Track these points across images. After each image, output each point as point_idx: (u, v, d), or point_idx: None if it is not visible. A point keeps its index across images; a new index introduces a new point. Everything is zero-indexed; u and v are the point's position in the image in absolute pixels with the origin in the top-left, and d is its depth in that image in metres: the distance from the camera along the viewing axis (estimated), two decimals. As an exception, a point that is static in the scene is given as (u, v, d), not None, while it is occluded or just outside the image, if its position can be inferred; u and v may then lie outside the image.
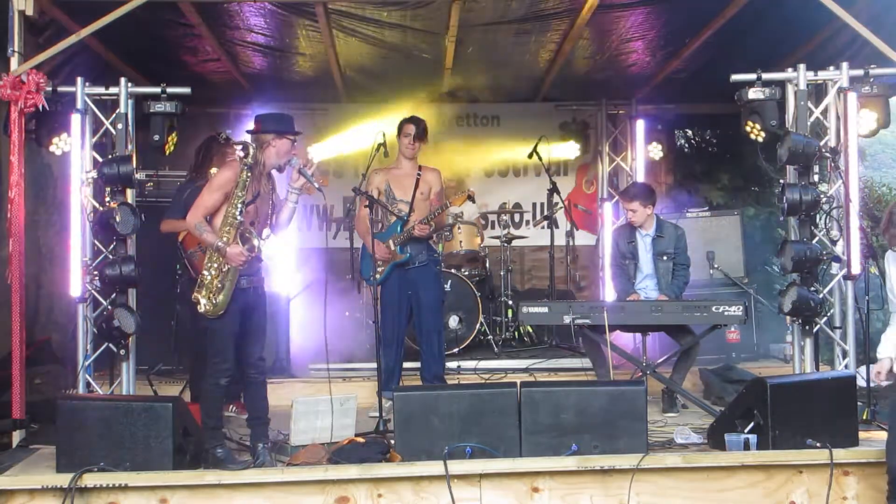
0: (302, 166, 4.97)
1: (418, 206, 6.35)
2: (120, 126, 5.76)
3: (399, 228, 6.30)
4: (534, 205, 9.60)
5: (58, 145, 5.85)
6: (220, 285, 4.85)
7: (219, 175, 5.00)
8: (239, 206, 4.82)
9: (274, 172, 5.08)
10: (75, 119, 5.68)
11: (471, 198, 6.52)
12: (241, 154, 4.83)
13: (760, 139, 6.07)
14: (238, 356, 5.00)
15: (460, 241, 8.21)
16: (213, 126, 8.28)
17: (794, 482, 4.83)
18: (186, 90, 5.94)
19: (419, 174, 6.41)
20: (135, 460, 4.66)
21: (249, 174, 4.83)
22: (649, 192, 6.64)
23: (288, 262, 8.52)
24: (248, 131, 5.12)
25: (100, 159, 5.81)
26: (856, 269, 5.73)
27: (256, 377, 5.07)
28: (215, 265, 4.86)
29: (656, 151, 9.30)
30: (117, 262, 5.64)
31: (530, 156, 8.74)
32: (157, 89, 5.88)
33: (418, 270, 6.34)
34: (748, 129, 6.03)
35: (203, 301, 4.85)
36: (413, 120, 6.45)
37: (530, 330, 8.39)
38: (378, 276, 6.24)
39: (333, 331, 8.00)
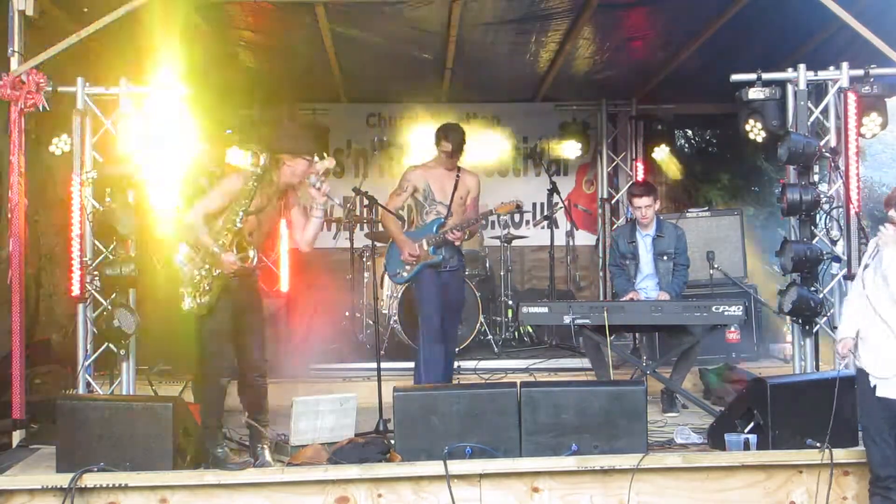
0: (320, 182, 4.90)
1: (456, 211, 6.16)
2: (120, 126, 5.76)
3: (435, 229, 6.10)
4: (534, 205, 9.60)
5: (57, 145, 5.84)
6: (207, 287, 4.85)
7: (228, 181, 5.00)
8: (240, 213, 4.82)
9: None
10: (75, 119, 5.68)
11: (519, 207, 6.47)
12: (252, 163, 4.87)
13: (759, 139, 6.08)
14: (237, 358, 5.00)
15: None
16: (214, 126, 8.28)
17: (794, 482, 4.84)
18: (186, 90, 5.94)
19: (458, 176, 6.19)
20: (135, 460, 4.66)
21: (256, 185, 4.83)
22: (656, 189, 6.74)
23: (288, 262, 8.52)
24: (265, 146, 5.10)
25: (100, 159, 5.81)
26: (856, 269, 5.72)
27: (257, 379, 5.06)
28: (206, 266, 4.86)
29: (659, 152, 9.31)
30: (117, 262, 5.64)
31: (530, 156, 8.79)
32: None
33: (450, 274, 6.17)
34: (748, 128, 6.04)
35: (188, 299, 4.86)
36: (451, 137, 6.07)
37: (530, 330, 8.39)
38: (406, 273, 6.11)
39: (334, 331, 8.06)
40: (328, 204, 5.03)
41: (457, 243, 6.17)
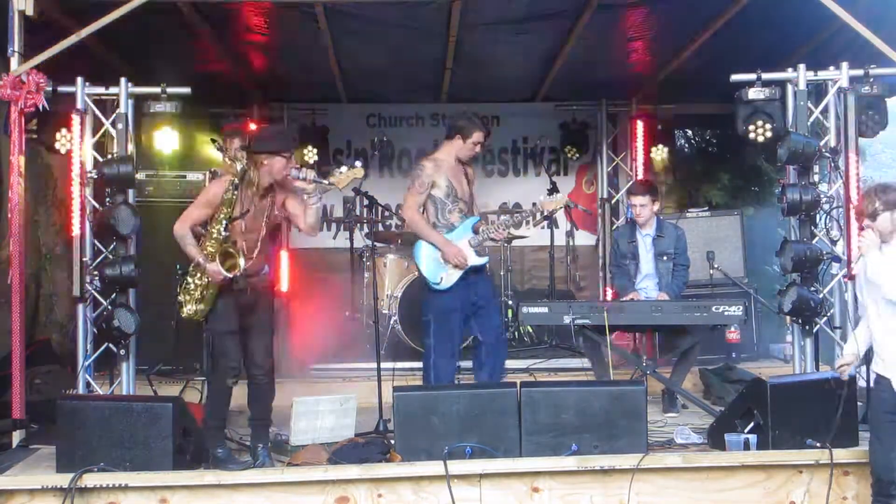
0: (300, 174, 4.91)
1: (471, 206, 5.95)
2: (120, 126, 5.77)
3: (471, 229, 5.82)
4: (533, 204, 9.57)
5: (60, 141, 5.84)
6: (200, 295, 4.88)
7: (208, 190, 5.03)
8: (224, 222, 4.82)
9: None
10: (75, 119, 5.69)
11: (571, 204, 6.30)
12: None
13: (762, 139, 6.08)
14: (243, 357, 5.01)
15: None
16: (213, 126, 8.30)
17: (794, 482, 4.84)
18: (186, 90, 5.95)
19: (465, 170, 5.93)
20: (135, 460, 4.66)
21: (235, 192, 4.83)
22: (655, 189, 6.74)
23: (287, 262, 8.53)
24: (242, 148, 5.11)
25: (100, 159, 5.82)
26: (856, 269, 5.72)
27: (261, 378, 5.05)
28: (198, 275, 4.89)
29: (659, 152, 9.31)
30: (117, 262, 5.64)
31: (530, 156, 8.79)
32: (157, 89, 5.89)
33: (480, 273, 5.89)
34: (753, 128, 6.04)
35: (186, 307, 4.92)
36: (487, 130, 5.89)
37: (530, 330, 8.39)
38: (451, 279, 5.71)
39: (334, 331, 8.06)
40: (319, 188, 4.99)
41: (501, 239, 5.97)
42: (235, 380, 4.96)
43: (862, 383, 5.39)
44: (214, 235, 4.84)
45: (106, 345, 5.76)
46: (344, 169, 5.13)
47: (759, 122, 6.01)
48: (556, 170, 9.59)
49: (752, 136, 6.08)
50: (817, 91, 6.08)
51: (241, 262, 4.82)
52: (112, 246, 5.79)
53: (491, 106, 9.59)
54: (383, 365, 5.99)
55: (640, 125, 9.22)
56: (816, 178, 6.01)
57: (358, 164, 5.22)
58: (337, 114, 9.34)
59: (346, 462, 4.81)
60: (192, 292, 4.89)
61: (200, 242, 4.89)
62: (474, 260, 5.77)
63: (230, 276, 4.80)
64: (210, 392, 5.09)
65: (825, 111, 6.00)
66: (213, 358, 4.99)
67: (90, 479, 4.56)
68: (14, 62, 5.45)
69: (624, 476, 4.74)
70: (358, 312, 8.15)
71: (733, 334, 7.57)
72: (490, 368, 5.91)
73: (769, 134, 6.05)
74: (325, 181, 5.02)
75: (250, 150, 4.93)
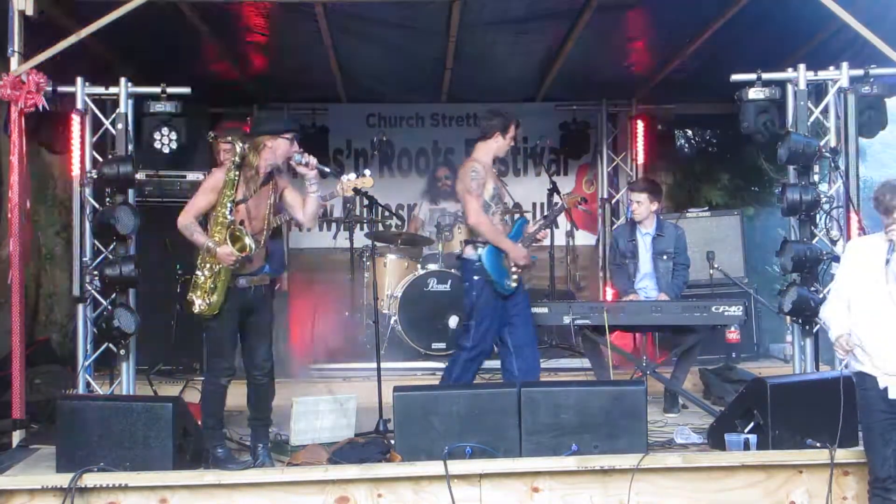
0: (303, 159, 4.94)
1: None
2: (120, 126, 5.77)
3: (521, 231, 5.80)
4: (534, 205, 9.60)
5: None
6: (212, 286, 4.83)
7: (210, 177, 5.02)
8: (228, 204, 4.82)
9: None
10: (75, 119, 5.69)
11: (584, 200, 6.34)
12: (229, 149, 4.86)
13: (762, 139, 6.09)
14: (242, 357, 5.00)
15: (461, 241, 8.19)
16: (213, 126, 8.29)
17: (794, 482, 4.84)
18: (186, 90, 5.95)
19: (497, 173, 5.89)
20: (135, 460, 4.66)
21: (237, 173, 4.83)
22: (657, 188, 6.76)
23: (288, 262, 8.52)
24: (244, 134, 5.10)
25: (100, 159, 5.82)
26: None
27: (261, 379, 5.03)
28: (207, 265, 4.85)
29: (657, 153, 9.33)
30: (117, 262, 5.64)
31: (530, 156, 8.77)
32: (157, 89, 5.89)
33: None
34: (762, 127, 6.04)
35: (198, 302, 4.85)
36: (518, 120, 5.87)
37: (530, 330, 8.38)
38: (514, 283, 5.64)
39: (334, 331, 8.07)
40: (318, 177, 5.00)
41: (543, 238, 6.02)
42: (229, 379, 4.96)
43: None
44: (220, 220, 4.83)
45: (106, 345, 5.76)
46: (352, 176, 5.13)
47: (770, 121, 6.02)
48: (556, 170, 9.59)
49: (758, 136, 6.07)
50: (817, 91, 6.08)
51: (249, 241, 4.79)
52: (112, 246, 5.79)
53: (491, 106, 9.58)
54: (383, 365, 5.99)
55: (640, 125, 9.22)
56: (816, 178, 6.01)
57: (367, 172, 5.21)
58: (337, 114, 9.34)
59: (345, 462, 4.81)
60: (202, 285, 4.84)
61: (207, 231, 4.89)
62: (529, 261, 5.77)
63: (241, 255, 4.79)
64: (204, 392, 5.08)
65: (825, 111, 6.00)
66: (207, 357, 4.98)
67: (90, 479, 4.56)
68: (14, 62, 5.46)
69: (624, 476, 4.74)
70: (358, 312, 8.16)
71: (733, 334, 7.57)
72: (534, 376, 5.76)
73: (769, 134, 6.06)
74: (327, 168, 5.04)
75: (252, 134, 4.92)
